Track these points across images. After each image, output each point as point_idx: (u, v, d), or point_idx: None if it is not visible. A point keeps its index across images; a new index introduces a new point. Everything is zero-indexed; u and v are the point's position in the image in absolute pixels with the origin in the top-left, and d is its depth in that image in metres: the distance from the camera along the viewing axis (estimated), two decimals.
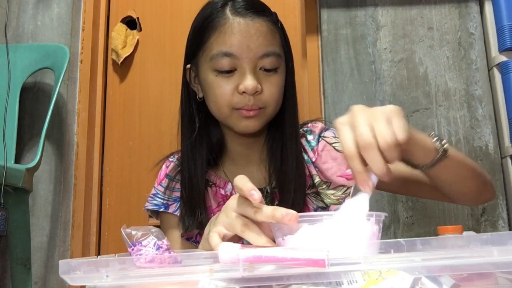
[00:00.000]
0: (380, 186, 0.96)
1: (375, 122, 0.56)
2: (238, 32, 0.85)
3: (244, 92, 0.85)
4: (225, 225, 0.60)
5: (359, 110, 0.59)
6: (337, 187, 0.96)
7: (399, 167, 0.81)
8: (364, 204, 0.56)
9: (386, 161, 0.56)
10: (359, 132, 0.56)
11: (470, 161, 0.81)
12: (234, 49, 0.85)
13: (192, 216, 0.90)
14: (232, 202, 0.61)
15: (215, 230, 0.60)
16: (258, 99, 0.86)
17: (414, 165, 0.71)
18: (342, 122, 0.59)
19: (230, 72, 0.86)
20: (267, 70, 0.87)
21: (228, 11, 0.87)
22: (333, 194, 0.95)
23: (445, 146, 0.70)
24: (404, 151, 0.64)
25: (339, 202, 0.95)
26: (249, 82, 0.84)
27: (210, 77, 0.88)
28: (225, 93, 0.86)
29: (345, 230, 0.53)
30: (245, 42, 0.85)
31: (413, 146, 0.65)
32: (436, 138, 0.70)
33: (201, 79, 0.91)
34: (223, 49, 0.85)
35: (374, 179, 0.57)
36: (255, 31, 0.86)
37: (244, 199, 0.59)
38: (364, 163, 0.57)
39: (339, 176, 0.95)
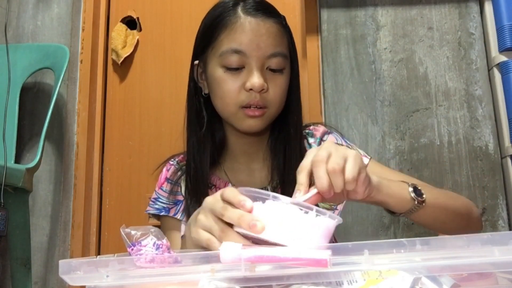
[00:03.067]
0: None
1: (334, 153, 0.62)
2: (249, 31, 0.87)
3: (250, 89, 0.86)
4: (204, 228, 0.61)
5: (328, 143, 0.65)
6: None
7: None
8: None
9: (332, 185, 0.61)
10: (317, 153, 0.62)
11: (452, 202, 0.83)
12: (244, 46, 0.86)
13: (196, 207, 0.91)
14: (208, 200, 0.62)
15: (205, 236, 0.61)
16: (263, 97, 0.88)
17: (391, 212, 0.75)
18: (312, 150, 0.66)
19: (238, 69, 0.88)
20: (273, 71, 0.89)
21: (239, 10, 0.89)
22: None
23: (424, 196, 0.73)
24: (379, 202, 0.70)
25: (331, 208, 0.95)
26: (256, 79, 0.85)
27: (218, 73, 0.89)
28: (232, 90, 0.87)
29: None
30: (255, 40, 0.86)
31: (386, 194, 0.70)
32: (413, 189, 0.73)
33: (209, 75, 0.92)
34: (233, 46, 0.87)
35: (311, 194, 0.61)
36: (266, 31, 0.87)
37: (218, 198, 0.60)
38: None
39: None
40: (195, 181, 0.93)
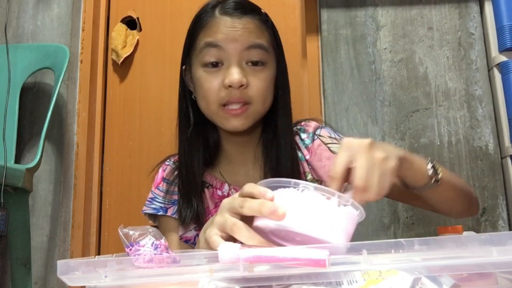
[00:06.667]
0: None
1: (373, 170, 0.60)
2: (224, 27, 0.87)
3: (230, 86, 0.85)
4: (218, 226, 0.60)
5: (371, 145, 0.62)
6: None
7: None
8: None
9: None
10: (360, 165, 0.60)
11: (459, 181, 0.84)
12: (219, 39, 0.86)
13: (188, 208, 0.91)
14: (225, 201, 0.62)
15: (214, 232, 0.60)
16: (244, 93, 0.87)
17: (406, 186, 0.75)
18: (348, 143, 0.62)
19: (216, 65, 0.87)
20: (254, 64, 0.88)
21: (217, 11, 0.90)
22: None
23: (440, 175, 0.73)
24: (398, 172, 0.68)
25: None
26: (234, 75, 0.85)
27: (199, 73, 0.89)
28: (212, 88, 0.87)
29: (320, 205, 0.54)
30: (231, 34, 0.86)
31: (407, 170, 0.69)
32: (431, 165, 0.74)
33: (193, 77, 0.93)
34: (208, 40, 0.87)
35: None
36: (242, 26, 0.87)
37: (235, 196, 0.60)
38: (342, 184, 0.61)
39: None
40: (187, 182, 0.93)
